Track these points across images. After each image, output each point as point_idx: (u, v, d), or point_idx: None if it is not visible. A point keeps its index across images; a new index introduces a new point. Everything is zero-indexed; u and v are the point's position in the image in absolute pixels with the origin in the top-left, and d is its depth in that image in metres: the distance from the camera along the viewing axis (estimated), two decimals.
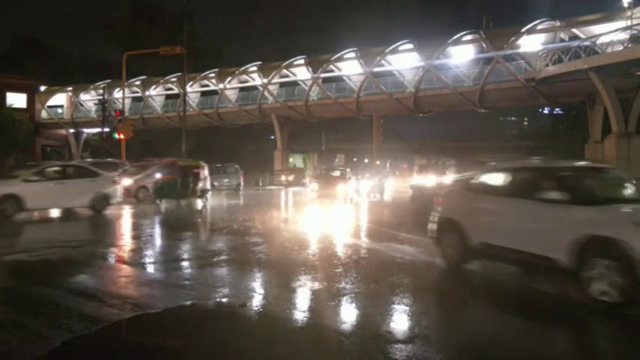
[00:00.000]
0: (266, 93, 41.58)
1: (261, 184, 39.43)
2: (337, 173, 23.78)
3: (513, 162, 8.21)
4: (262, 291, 6.26)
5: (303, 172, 41.11)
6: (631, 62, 21.31)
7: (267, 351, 4.24)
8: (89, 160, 28.50)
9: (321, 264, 7.74)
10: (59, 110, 51.92)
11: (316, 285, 6.37)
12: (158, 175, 19.35)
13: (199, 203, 18.50)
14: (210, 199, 22.22)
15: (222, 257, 8.48)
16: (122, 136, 27.13)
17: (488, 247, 6.54)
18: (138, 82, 46.45)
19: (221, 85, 43.50)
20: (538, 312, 5.36)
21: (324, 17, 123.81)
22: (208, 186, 19.77)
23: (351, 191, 22.01)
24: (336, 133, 59.09)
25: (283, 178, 38.65)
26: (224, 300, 5.66)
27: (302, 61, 40.02)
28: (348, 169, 24.54)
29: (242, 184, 30.23)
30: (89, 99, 50.07)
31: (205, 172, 19.36)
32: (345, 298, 5.70)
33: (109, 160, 24.52)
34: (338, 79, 39.84)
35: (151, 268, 7.66)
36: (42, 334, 4.49)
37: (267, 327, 4.80)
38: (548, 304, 5.67)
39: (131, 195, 19.57)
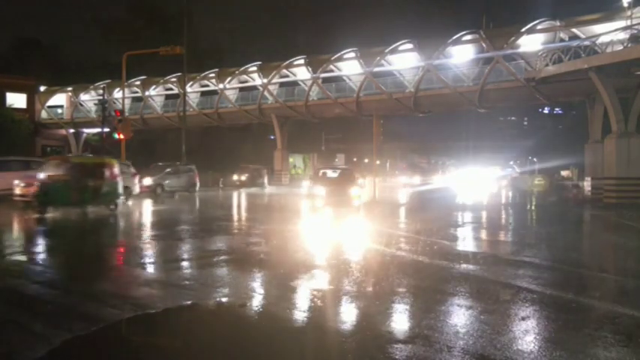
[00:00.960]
0: (266, 93, 41.56)
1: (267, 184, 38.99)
2: (343, 174, 18.71)
3: None
4: None
5: (260, 171, 36.26)
6: (631, 62, 21.28)
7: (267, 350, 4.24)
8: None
9: None
10: (59, 110, 51.90)
11: None
12: (42, 176, 14.89)
13: (106, 212, 15.20)
14: (155, 203, 20.09)
15: None
16: (122, 136, 27.08)
17: None
18: (138, 82, 46.44)
19: (221, 85, 43.48)
20: None
21: (324, 17, 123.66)
22: (120, 190, 16.19)
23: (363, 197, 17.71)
24: (336, 133, 59.09)
25: (235, 177, 34.49)
26: None
27: (302, 61, 40.01)
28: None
29: (198, 185, 27.69)
30: (89, 99, 50.06)
31: (115, 171, 15.88)
32: None
33: (13, 157, 20.57)
34: (338, 79, 39.82)
35: None
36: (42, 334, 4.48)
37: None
38: None
39: None
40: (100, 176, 15.28)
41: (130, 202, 19.45)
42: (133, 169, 21.16)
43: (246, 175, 34.61)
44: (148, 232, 12.17)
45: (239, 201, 23.91)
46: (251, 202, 22.88)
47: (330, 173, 19.53)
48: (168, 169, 25.88)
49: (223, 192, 30.00)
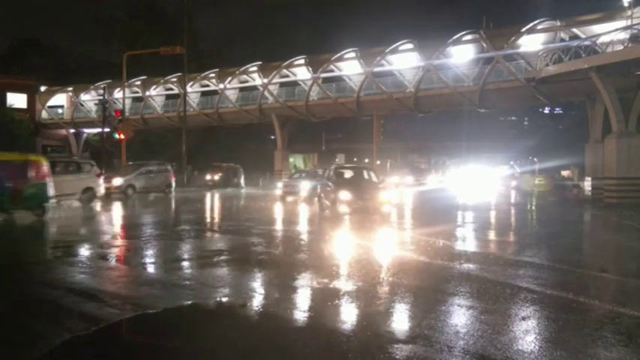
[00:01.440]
0: (266, 93, 41.57)
1: (261, 184, 38.80)
2: (366, 174, 16.37)
3: None
4: None
5: (235, 171, 33.27)
6: (631, 62, 21.28)
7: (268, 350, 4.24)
8: None
9: None
10: (59, 110, 51.96)
11: None
12: None
13: (31, 219, 13.22)
14: (115, 206, 18.27)
15: None
16: (122, 136, 27.17)
17: None
18: (138, 83, 46.47)
19: (221, 85, 43.50)
20: None
21: (325, 17, 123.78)
22: (49, 192, 13.76)
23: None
24: (336, 133, 59.04)
25: (208, 177, 32.03)
26: None
27: (302, 61, 40.02)
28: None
29: (173, 185, 26.20)
30: (89, 99, 50.11)
31: (43, 170, 13.62)
32: None
33: None
34: (338, 79, 39.83)
35: None
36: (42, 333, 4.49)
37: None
38: None
39: None
40: (21, 176, 13.00)
41: (97, 204, 18.19)
42: (97, 169, 19.47)
43: (219, 174, 31.90)
44: (56, 249, 9.60)
45: (212, 204, 22.02)
46: (224, 206, 20.70)
47: (349, 173, 16.84)
48: (140, 169, 24.58)
49: (197, 193, 27.62)
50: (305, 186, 20.78)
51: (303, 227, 13.46)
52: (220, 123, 46.00)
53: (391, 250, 9.37)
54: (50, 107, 51.60)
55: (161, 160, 27.38)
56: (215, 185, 30.76)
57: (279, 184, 24.37)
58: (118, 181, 22.57)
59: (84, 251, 9.28)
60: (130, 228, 13.08)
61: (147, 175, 24.50)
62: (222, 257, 8.57)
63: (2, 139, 39.25)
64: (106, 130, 30.84)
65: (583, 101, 31.47)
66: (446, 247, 9.63)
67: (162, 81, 46.10)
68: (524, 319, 5.06)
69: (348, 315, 5.28)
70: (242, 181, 33.36)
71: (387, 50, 35.99)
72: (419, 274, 7.25)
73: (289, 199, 22.20)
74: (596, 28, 26.73)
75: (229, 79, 43.43)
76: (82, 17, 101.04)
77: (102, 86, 43.07)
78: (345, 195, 13.43)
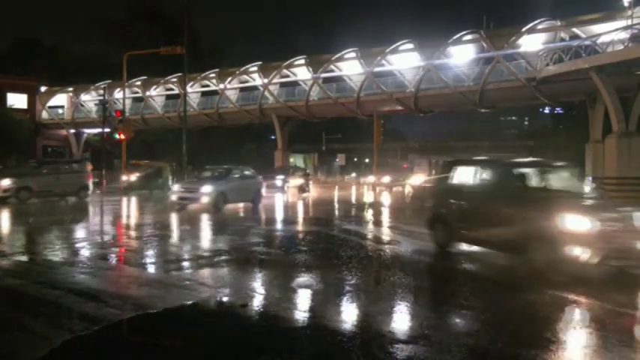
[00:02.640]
0: (266, 93, 41.59)
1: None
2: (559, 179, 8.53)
3: None
4: None
5: (160, 170, 27.21)
6: (631, 61, 21.27)
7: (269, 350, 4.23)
8: None
9: None
10: (60, 111, 51.97)
11: None
12: None
13: None
14: None
15: None
16: (123, 137, 27.13)
17: None
18: (138, 83, 46.49)
19: (221, 86, 43.52)
20: None
21: (324, 17, 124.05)
22: None
23: None
24: (337, 133, 59.09)
25: (124, 178, 26.16)
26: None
27: (302, 61, 40.04)
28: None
29: (90, 187, 21.65)
30: (90, 99, 50.13)
31: None
32: None
33: None
34: (338, 79, 39.86)
35: None
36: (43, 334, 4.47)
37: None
38: None
39: None
40: None
41: None
42: None
43: (137, 175, 26.40)
44: None
45: (129, 212, 17.79)
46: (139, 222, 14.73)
47: (533, 175, 8.21)
48: (41, 168, 20.89)
49: (112, 198, 22.95)
50: (207, 189, 16.17)
51: None
52: (221, 123, 46.01)
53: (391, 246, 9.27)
54: (50, 107, 51.60)
55: (75, 158, 24.08)
56: (132, 187, 25.53)
57: (175, 187, 18.51)
58: (5, 182, 18.84)
59: None
60: None
61: (51, 176, 20.14)
62: None
63: (2, 140, 39.32)
64: (107, 130, 30.86)
65: (583, 101, 31.43)
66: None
67: (162, 81, 46.12)
68: (524, 318, 5.06)
69: (350, 314, 5.26)
70: (170, 182, 26.39)
71: (388, 50, 36.00)
72: (420, 273, 7.19)
73: (192, 206, 16.59)
74: (597, 28, 26.72)
75: (229, 79, 43.45)
76: (82, 17, 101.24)
77: (102, 86, 43.11)
78: (578, 222, 6.40)
